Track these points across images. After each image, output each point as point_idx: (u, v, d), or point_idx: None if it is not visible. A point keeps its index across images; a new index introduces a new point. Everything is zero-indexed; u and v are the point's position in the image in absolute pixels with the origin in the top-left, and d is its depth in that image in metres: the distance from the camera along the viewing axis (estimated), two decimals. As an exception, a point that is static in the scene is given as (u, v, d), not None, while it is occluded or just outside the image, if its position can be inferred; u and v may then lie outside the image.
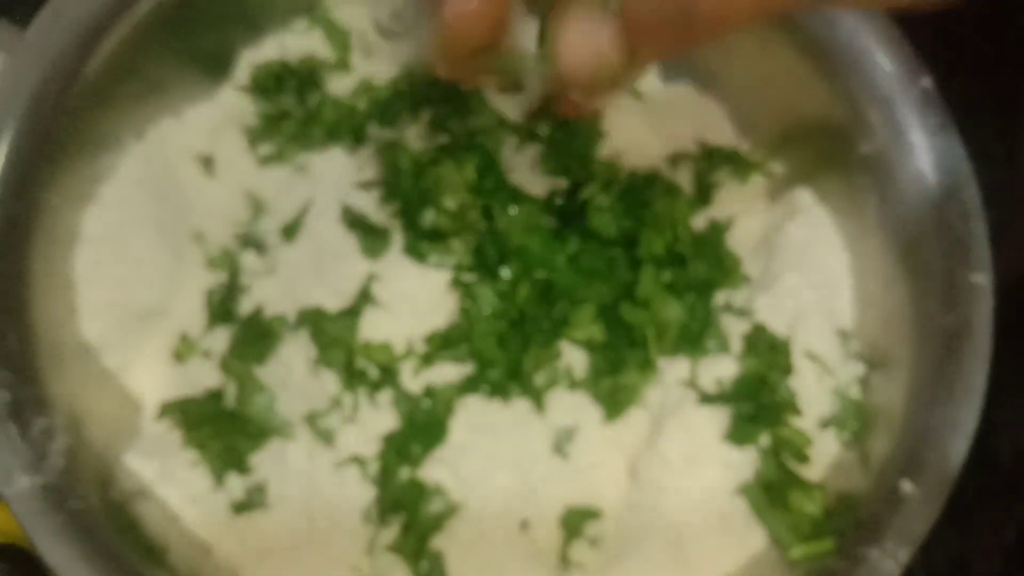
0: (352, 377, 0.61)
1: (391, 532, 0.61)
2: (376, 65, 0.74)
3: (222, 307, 0.65)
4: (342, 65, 0.74)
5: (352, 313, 0.62)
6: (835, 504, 0.61)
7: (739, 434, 0.61)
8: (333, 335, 0.61)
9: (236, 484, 0.61)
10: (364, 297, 0.62)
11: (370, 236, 0.64)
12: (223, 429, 0.61)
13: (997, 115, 0.95)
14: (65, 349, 0.61)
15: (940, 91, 0.91)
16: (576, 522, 0.64)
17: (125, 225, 0.65)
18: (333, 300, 0.63)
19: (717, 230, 0.69)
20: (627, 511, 0.64)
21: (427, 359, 0.62)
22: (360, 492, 0.61)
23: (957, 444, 0.58)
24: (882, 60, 0.65)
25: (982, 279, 0.61)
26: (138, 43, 0.64)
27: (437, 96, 0.70)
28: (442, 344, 0.62)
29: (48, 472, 0.54)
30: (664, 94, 0.77)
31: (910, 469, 0.58)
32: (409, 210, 0.64)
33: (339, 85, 0.74)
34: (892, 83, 0.65)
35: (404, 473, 0.61)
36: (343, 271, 0.64)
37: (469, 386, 0.62)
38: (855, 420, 0.63)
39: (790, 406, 0.62)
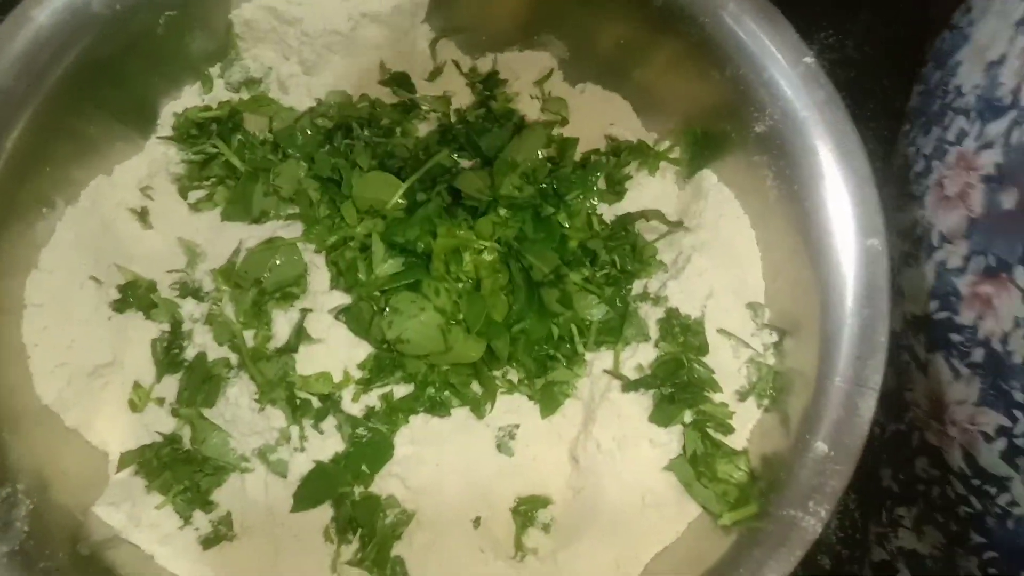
0: (296, 410, 0.59)
1: (352, 548, 0.60)
2: (293, 99, 0.72)
3: (167, 355, 0.63)
4: (260, 104, 0.71)
5: (288, 349, 0.60)
6: (760, 467, 0.60)
7: (661, 414, 0.60)
8: (272, 373, 0.59)
9: (202, 520, 0.60)
10: (299, 333, 0.60)
11: (298, 272, 0.62)
12: (183, 471, 0.60)
13: (895, 70, 0.93)
14: (24, 415, 0.59)
15: (836, 52, 0.89)
16: (528, 511, 0.63)
17: (68, 288, 0.63)
18: (270, 339, 0.61)
19: (629, 221, 0.67)
20: (572, 496, 0.64)
21: (365, 384, 0.61)
22: (317, 514, 0.60)
23: (866, 400, 0.57)
24: (766, 42, 0.63)
25: (876, 242, 0.59)
26: (57, 108, 0.61)
27: (356, 120, 0.68)
28: (376, 368, 0.60)
29: (12, 540, 0.53)
30: (572, 96, 0.74)
31: (824, 430, 0.57)
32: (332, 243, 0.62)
33: (258, 123, 0.71)
34: (777, 63, 0.62)
35: (357, 491, 0.60)
36: (277, 308, 0.61)
37: (408, 405, 0.61)
38: (772, 386, 0.62)
39: (710, 382, 0.61)
